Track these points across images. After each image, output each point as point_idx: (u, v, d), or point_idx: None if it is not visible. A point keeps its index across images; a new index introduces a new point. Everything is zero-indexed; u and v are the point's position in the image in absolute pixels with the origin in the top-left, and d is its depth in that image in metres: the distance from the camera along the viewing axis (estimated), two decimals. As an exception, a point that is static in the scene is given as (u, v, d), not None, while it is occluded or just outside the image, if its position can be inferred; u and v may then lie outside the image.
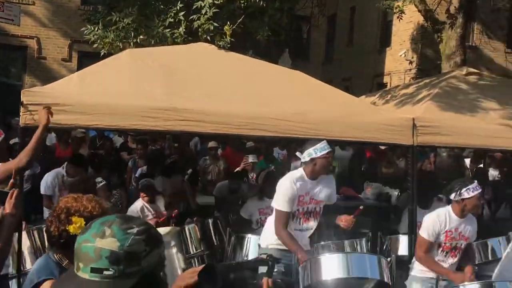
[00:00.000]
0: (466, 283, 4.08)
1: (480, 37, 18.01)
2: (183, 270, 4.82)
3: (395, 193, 8.71)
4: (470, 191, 4.32)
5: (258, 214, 5.99)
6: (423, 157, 10.47)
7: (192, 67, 5.62)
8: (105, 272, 1.35)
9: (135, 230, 1.40)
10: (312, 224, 4.56)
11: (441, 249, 4.48)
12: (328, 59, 24.61)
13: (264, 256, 1.71)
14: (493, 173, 10.64)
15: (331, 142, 5.77)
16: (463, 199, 4.34)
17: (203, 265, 1.53)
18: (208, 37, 6.55)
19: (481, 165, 9.80)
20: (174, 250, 4.61)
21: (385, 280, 3.92)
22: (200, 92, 5.10)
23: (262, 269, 1.66)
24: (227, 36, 6.15)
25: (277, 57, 16.76)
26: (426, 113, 5.52)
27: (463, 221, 4.45)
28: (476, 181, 4.46)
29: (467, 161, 10.77)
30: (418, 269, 4.57)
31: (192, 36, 6.95)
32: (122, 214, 1.54)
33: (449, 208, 4.48)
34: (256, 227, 5.89)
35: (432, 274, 4.42)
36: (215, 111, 4.76)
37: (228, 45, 6.26)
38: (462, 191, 4.33)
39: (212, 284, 1.44)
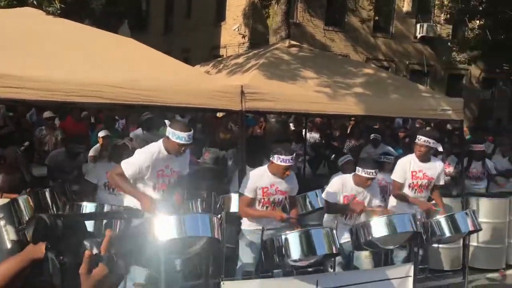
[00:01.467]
0: (287, 232, 4.31)
1: (303, 14, 18.95)
2: (14, 242, 4.42)
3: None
4: (280, 160, 4.50)
5: (105, 178, 5.71)
6: (254, 123, 10.85)
7: (18, 32, 5.06)
8: None
9: None
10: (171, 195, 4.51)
11: (261, 204, 4.68)
12: (168, 30, 24.16)
13: (122, 209, 1.57)
14: (314, 135, 11.39)
15: (165, 108, 5.68)
16: (272, 162, 4.56)
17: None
18: (35, 2, 5.94)
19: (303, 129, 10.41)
20: (3, 222, 4.18)
21: (215, 236, 3.99)
22: (27, 58, 4.59)
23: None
24: (57, 2, 5.64)
25: (116, 28, 16.01)
26: (253, 81, 5.64)
27: (278, 179, 4.64)
28: (293, 155, 4.58)
29: (291, 125, 11.39)
30: (246, 223, 4.74)
31: (17, 0, 6.26)
32: None
33: (265, 167, 4.68)
34: (106, 192, 5.63)
35: (258, 226, 4.59)
36: (42, 78, 4.32)
37: (58, 11, 5.75)
38: (274, 155, 4.53)
39: (35, 233, 1.31)
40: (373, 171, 5.00)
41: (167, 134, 4.33)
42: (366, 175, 5.00)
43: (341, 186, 5.17)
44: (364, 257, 5.25)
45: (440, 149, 5.80)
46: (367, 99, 6.19)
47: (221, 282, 4.09)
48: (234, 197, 5.82)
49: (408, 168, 5.62)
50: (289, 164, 4.52)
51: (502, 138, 9.69)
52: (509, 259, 7.54)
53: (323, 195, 5.39)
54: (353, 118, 11.89)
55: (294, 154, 4.61)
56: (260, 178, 4.62)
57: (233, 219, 5.60)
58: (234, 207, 5.78)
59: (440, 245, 7.02)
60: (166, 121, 4.67)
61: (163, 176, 4.39)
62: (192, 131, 4.33)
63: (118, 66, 5.11)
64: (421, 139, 5.50)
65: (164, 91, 4.95)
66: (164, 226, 3.86)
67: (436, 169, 5.71)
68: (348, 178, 5.23)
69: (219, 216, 4.16)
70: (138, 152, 4.43)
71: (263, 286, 4.22)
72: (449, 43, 20.86)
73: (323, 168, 9.90)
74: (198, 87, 5.16)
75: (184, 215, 4.03)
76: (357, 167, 5.13)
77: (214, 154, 9.28)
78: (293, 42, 7.45)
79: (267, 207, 4.70)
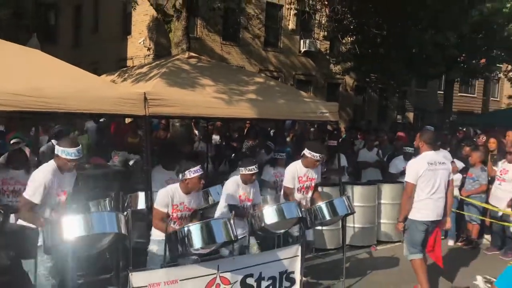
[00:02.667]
0: (190, 224, 4.25)
1: (202, 30, 18.89)
2: None
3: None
4: (192, 173, 4.44)
5: (0, 184, 5.28)
6: (158, 127, 10.62)
7: None
8: None
9: None
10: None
11: (169, 218, 4.54)
12: (76, 44, 22.96)
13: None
14: (215, 137, 11.39)
15: (71, 115, 5.36)
16: (186, 179, 4.47)
17: None
18: None
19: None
20: None
21: (122, 232, 3.83)
22: None
23: None
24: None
25: (25, 41, 14.89)
26: (156, 88, 5.50)
27: (190, 195, 4.58)
28: (199, 165, 4.53)
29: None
30: (155, 234, 4.59)
31: None
32: None
33: (177, 185, 4.57)
34: (5, 198, 5.20)
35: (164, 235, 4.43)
36: None
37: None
38: (185, 172, 4.44)
39: None
40: (253, 166, 5.12)
41: (56, 152, 4.09)
42: (249, 172, 5.12)
43: (236, 186, 5.23)
44: (253, 247, 5.32)
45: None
46: (258, 104, 6.29)
47: (129, 274, 3.93)
48: (141, 195, 5.66)
49: (296, 175, 5.73)
50: (200, 173, 4.47)
51: (369, 136, 10.31)
52: (379, 236, 8.06)
53: (224, 200, 5.32)
54: (248, 122, 12.06)
55: (200, 165, 4.54)
56: (172, 195, 4.51)
57: (140, 216, 5.44)
58: (141, 204, 5.62)
59: (323, 228, 7.34)
60: (53, 141, 4.39)
61: (57, 196, 4.15)
62: (80, 146, 4.13)
63: (24, 75, 4.72)
64: (316, 156, 5.55)
65: (69, 99, 4.65)
66: (73, 225, 3.63)
67: (318, 169, 5.94)
68: (238, 180, 5.27)
69: (125, 213, 3.99)
70: (34, 174, 4.11)
71: (168, 274, 4.11)
72: (327, 56, 21.89)
73: (224, 166, 9.93)
74: (103, 94, 4.92)
75: (92, 214, 3.82)
76: (240, 168, 5.22)
77: (123, 157, 8.95)
78: (192, 54, 7.38)
79: (174, 222, 4.58)
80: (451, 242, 8.16)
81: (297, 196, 5.76)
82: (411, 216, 5.40)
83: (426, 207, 5.34)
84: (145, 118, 5.11)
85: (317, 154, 5.56)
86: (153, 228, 4.62)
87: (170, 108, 5.35)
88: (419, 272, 5.47)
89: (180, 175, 4.47)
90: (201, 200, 4.84)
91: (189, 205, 4.62)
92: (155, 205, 4.53)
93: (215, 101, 5.84)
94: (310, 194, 5.88)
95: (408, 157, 8.75)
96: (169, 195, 4.48)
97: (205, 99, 5.79)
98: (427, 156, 5.35)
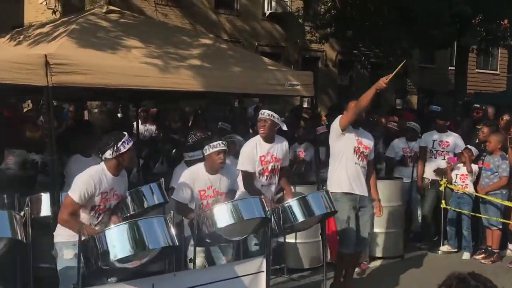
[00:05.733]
0: (111, 226, 4.27)
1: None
2: None
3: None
4: (126, 144, 4.52)
5: None
6: (68, 116, 10.55)
7: None
8: None
9: None
10: None
11: (94, 211, 4.55)
12: (-49, 7, 22.34)
13: None
14: (149, 128, 11.33)
15: None
16: (121, 153, 4.52)
17: None
18: None
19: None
20: None
21: (18, 237, 3.79)
22: None
23: None
24: None
25: None
26: (61, 50, 5.47)
27: (117, 179, 4.63)
28: (126, 133, 4.66)
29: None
30: (65, 235, 4.53)
31: None
32: None
33: (103, 166, 4.57)
34: None
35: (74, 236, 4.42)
36: None
37: None
38: (118, 145, 4.49)
39: None
40: (220, 142, 5.29)
41: None
42: (215, 149, 5.26)
43: (192, 181, 5.31)
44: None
45: (284, 128, 6.12)
46: (205, 72, 6.33)
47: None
48: (45, 198, 5.58)
49: (255, 154, 5.85)
50: (132, 143, 4.56)
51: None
52: (372, 250, 8.14)
53: (174, 196, 5.45)
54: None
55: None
56: (99, 181, 4.50)
57: (45, 226, 5.37)
58: (45, 210, 5.55)
59: (297, 241, 7.44)
60: None
61: None
62: None
63: None
64: (264, 113, 5.80)
65: None
66: None
67: (283, 149, 6.07)
68: (198, 169, 5.40)
69: (22, 213, 3.96)
70: None
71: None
72: (300, 20, 21.90)
73: (161, 166, 9.92)
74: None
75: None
76: (205, 148, 5.34)
77: (20, 157, 8.83)
78: (112, 7, 7.36)
79: (99, 214, 4.59)
80: (466, 255, 8.44)
81: (260, 181, 5.89)
82: None
83: None
84: (47, 90, 5.07)
85: (275, 114, 5.79)
86: (58, 226, 4.57)
87: (82, 77, 5.31)
88: None
89: (109, 152, 4.48)
90: (127, 183, 4.90)
91: (119, 191, 4.69)
92: (70, 192, 4.47)
93: (145, 68, 5.85)
94: (275, 180, 6.00)
95: (412, 135, 9.23)
96: (94, 182, 4.46)
97: (131, 65, 5.79)
98: None
